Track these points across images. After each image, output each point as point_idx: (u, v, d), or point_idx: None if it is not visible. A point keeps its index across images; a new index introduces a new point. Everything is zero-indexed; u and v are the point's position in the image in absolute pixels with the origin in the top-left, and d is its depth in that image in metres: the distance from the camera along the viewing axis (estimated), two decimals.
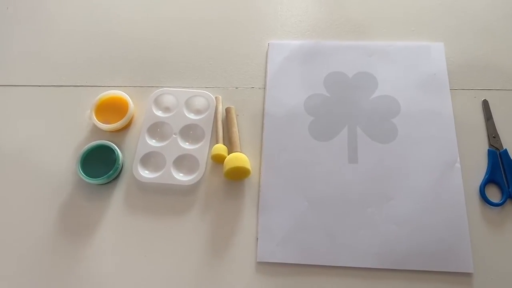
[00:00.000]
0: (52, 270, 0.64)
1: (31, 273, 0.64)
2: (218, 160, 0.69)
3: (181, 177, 0.68)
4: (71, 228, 0.66)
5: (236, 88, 0.77)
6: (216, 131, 0.72)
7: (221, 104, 0.75)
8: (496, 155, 0.68)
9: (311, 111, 0.73)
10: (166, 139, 0.72)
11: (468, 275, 0.60)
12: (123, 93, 0.75)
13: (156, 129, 0.73)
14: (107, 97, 0.75)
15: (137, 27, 0.85)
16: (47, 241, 0.65)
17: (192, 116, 0.74)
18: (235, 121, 0.72)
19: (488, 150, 0.68)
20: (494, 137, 0.69)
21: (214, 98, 0.75)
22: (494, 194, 0.66)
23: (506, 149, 0.68)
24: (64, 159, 0.72)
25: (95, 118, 0.72)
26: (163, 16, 0.86)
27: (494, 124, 0.70)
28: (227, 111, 0.73)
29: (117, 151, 0.69)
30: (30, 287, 0.63)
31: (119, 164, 0.68)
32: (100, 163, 0.69)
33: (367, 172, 0.67)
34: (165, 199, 0.68)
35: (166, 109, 0.75)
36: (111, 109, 0.74)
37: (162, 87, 0.77)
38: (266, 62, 0.79)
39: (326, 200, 0.66)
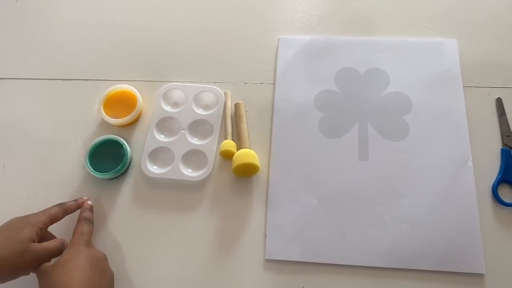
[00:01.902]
0: None
1: None
2: (226, 156, 0.68)
3: (190, 173, 0.68)
4: None
5: (246, 83, 0.76)
6: (225, 127, 0.71)
7: (230, 99, 0.74)
8: (509, 154, 0.66)
9: (321, 108, 0.72)
10: (174, 135, 0.71)
11: (479, 276, 0.60)
12: (131, 87, 0.74)
13: (165, 124, 0.73)
14: (115, 91, 0.74)
15: (147, 22, 0.84)
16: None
17: (201, 111, 0.73)
18: (244, 117, 0.72)
19: (502, 149, 0.67)
20: (507, 136, 0.68)
21: (223, 94, 0.74)
22: (507, 194, 0.65)
23: None
24: (72, 153, 0.72)
25: (103, 112, 0.72)
26: (173, 11, 0.85)
27: (508, 123, 0.69)
28: (236, 106, 0.73)
29: (125, 145, 0.69)
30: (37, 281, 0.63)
31: (127, 159, 0.68)
32: (108, 157, 0.68)
33: (378, 170, 0.67)
34: (173, 194, 0.67)
35: (175, 104, 0.75)
36: (120, 103, 0.73)
37: (171, 81, 0.76)
38: (276, 57, 0.78)
39: (335, 198, 0.65)
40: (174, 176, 0.68)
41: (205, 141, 0.71)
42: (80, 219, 0.61)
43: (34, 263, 0.54)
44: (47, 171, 0.71)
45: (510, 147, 0.67)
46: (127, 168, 0.70)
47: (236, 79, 0.77)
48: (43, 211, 0.60)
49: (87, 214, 0.62)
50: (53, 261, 0.56)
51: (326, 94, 0.73)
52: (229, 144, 0.68)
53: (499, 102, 0.71)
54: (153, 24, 0.84)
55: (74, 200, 0.64)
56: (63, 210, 0.61)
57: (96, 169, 0.67)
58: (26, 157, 0.72)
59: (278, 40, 0.80)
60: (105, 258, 0.57)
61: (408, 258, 0.61)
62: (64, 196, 0.68)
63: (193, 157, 0.69)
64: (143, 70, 0.79)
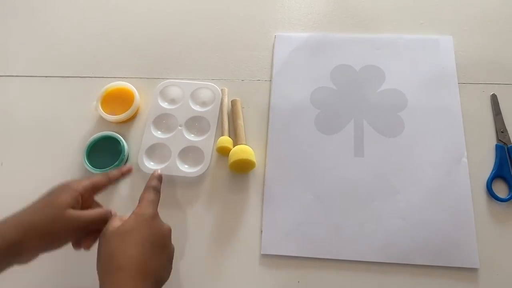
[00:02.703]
0: (56, 261, 0.63)
1: (35, 263, 0.64)
2: (223, 152, 0.69)
3: (186, 169, 0.68)
4: None
5: (242, 80, 0.77)
6: (222, 124, 0.72)
7: (227, 96, 0.74)
8: (504, 150, 0.67)
9: (318, 104, 0.73)
10: (171, 131, 0.72)
11: (473, 270, 0.60)
12: (129, 84, 0.75)
13: (162, 121, 0.73)
14: (113, 88, 0.75)
15: (144, 19, 0.85)
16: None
17: (197, 108, 0.74)
18: (240, 113, 0.72)
19: (496, 145, 0.68)
20: (502, 132, 0.68)
21: (220, 90, 0.75)
22: (501, 189, 0.65)
23: None
24: (70, 149, 0.72)
25: (101, 109, 0.72)
26: (170, 8, 0.86)
27: (503, 119, 0.69)
28: (233, 103, 0.73)
29: (122, 142, 0.69)
30: (33, 276, 0.63)
31: (124, 155, 0.68)
32: (106, 154, 0.69)
33: (373, 165, 0.67)
34: (170, 190, 0.68)
35: (172, 101, 0.75)
36: (117, 100, 0.74)
37: (168, 78, 0.77)
38: (273, 55, 0.78)
39: (331, 194, 0.66)
40: (171, 172, 0.68)
41: (201, 138, 0.71)
42: (147, 187, 0.57)
43: (70, 230, 0.50)
44: (45, 168, 0.71)
45: (504, 143, 0.67)
46: (125, 164, 0.70)
47: (233, 76, 0.77)
48: (86, 177, 0.56)
49: (155, 182, 0.57)
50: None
51: (322, 91, 0.74)
52: (225, 140, 0.69)
53: (494, 98, 0.71)
54: (151, 22, 0.84)
55: (118, 169, 0.62)
56: (107, 178, 0.58)
57: (93, 165, 0.68)
58: (24, 154, 0.73)
59: (275, 38, 0.80)
60: (169, 232, 0.54)
61: (402, 253, 0.61)
62: None
63: (190, 153, 0.70)
64: (141, 67, 0.79)
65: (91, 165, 0.68)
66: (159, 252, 0.51)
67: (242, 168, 0.68)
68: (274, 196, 0.66)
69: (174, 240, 0.64)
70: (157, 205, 0.55)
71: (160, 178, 0.59)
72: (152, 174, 0.59)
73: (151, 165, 0.69)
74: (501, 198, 0.64)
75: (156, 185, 0.57)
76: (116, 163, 0.67)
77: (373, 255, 0.61)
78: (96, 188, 0.56)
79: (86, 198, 0.54)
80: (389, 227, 0.63)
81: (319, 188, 0.66)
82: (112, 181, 0.59)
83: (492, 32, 0.78)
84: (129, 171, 0.63)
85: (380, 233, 0.63)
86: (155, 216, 0.53)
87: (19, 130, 0.75)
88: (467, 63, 0.75)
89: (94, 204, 0.57)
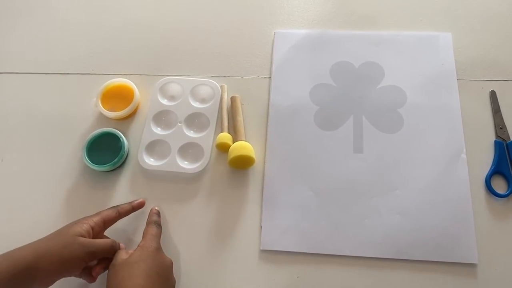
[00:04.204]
0: None
1: None
2: (222, 148, 0.69)
3: (186, 165, 0.69)
4: (77, 215, 0.66)
5: (242, 77, 0.77)
6: (221, 120, 0.72)
7: (226, 93, 0.75)
8: (503, 146, 0.67)
9: (317, 101, 0.73)
10: (171, 128, 0.72)
11: (472, 265, 0.60)
12: (129, 81, 0.75)
13: (162, 117, 0.73)
14: (113, 85, 0.75)
15: (144, 16, 0.85)
16: (52, 228, 0.65)
17: (197, 104, 0.74)
18: (240, 110, 0.72)
19: (495, 141, 0.68)
20: (501, 128, 0.69)
21: (219, 87, 0.75)
22: (500, 185, 0.65)
23: None
24: (70, 146, 0.72)
25: (101, 106, 0.73)
26: (169, 5, 0.86)
27: (502, 115, 0.70)
28: (232, 100, 0.73)
29: (122, 138, 0.69)
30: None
31: (124, 152, 0.69)
32: (105, 150, 0.69)
33: (372, 162, 0.67)
34: (169, 187, 0.68)
35: (172, 98, 0.75)
36: (117, 97, 0.74)
37: (167, 75, 0.77)
38: (272, 51, 0.79)
39: (330, 190, 0.66)
40: (171, 169, 0.68)
41: (201, 134, 0.71)
42: (149, 222, 0.61)
43: (81, 255, 0.54)
44: (45, 164, 0.71)
45: (503, 139, 0.68)
46: (124, 161, 0.70)
47: (233, 73, 0.77)
48: (97, 213, 0.60)
49: (155, 218, 0.62)
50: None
51: (322, 87, 0.74)
52: (225, 136, 0.69)
53: (493, 95, 0.71)
54: (150, 18, 0.84)
55: (129, 203, 0.64)
56: (117, 212, 0.61)
57: (93, 161, 0.68)
58: (24, 151, 0.73)
59: (274, 34, 0.80)
60: (171, 265, 0.58)
61: (401, 248, 0.61)
62: (62, 188, 0.69)
63: (189, 149, 0.70)
64: (140, 64, 0.79)
65: (91, 161, 0.68)
66: (163, 282, 0.55)
67: (242, 164, 0.68)
68: (273, 192, 0.66)
69: (174, 236, 0.65)
70: (160, 238, 0.60)
71: (158, 213, 0.64)
72: (151, 211, 0.64)
73: (151, 162, 0.69)
74: (499, 194, 0.64)
75: (157, 220, 0.62)
76: (116, 159, 0.67)
77: (372, 250, 0.62)
78: (107, 223, 0.60)
79: (97, 232, 0.58)
80: (388, 223, 0.63)
81: (318, 184, 0.66)
82: (122, 216, 0.62)
83: (491, 28, 0.78)
84: (140, 206, 0.65)
85: (379, 229, 0.63)
86: (158, 249, 0.57)
87: (19, 127, 0.75)
88: (466, 59, 0.75)
89: (103, 238, 0.61)
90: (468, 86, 0.73)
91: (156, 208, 0.65)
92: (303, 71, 0.76)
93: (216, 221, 0.65)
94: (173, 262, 0.58)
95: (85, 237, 0.55)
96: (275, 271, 0.62)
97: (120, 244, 0.60)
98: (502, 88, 0.72)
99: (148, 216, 0.63)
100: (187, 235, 0.65)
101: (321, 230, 0.63)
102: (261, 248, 0.63)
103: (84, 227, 0.56)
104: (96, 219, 0.58)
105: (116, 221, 0.61)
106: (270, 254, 0.63)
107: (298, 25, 0.81)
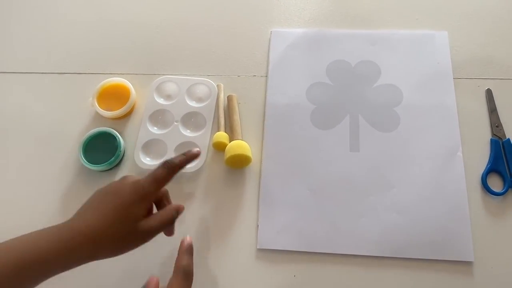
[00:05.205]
0: None
1: None
2: (219, 147, 0.69)
3: None
4: (73, 214, 0.67)
5: (238, 76, 0.77)
6: (218, 119, 0.72)
7: (222, 92, 0.75)
8: (498, 145, 0.67)
9: (313, 100, 0.73)
10: (167, 127, 0.72)
11: (468, 263, 0.60)
12: (125, 80, 0.75)
13: (158, 117, 0.73)
14: (109, 84, 0.75)
15: (140, 15, 0.85)
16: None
17: (193, 104, 0.74)
18: (236, 109, 0.72)
19: (491, 139, 0.68)
20: (497, 127, 0.69)
21: (216, 86, 0.75)
22: (496, 183, 0.66)
23: (509, 139, 0.67)
24: (66, 145, 0.72)
25: (97, 105, 0.72)
26: (165, 4, 0.85)
27: (498, 114, 0.70)
28: (229, 99, 0.73)
29: (118, 138, 0.69)
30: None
31: (120, 151, 0.69)
32: (102, 150, 0.69)
33: (368, 160, 0.67)
34: (166, 186, 0.68)
35: (168, 97, 0.75)
36: (113, 96, 0.74)
37: (164, 74, 0.77)
38: (269, 50, 0.78)
39: (327, 188, 0.66)
40: None
41: (197, 133, 0.71)
42: (177, 269, 0.52)
43: (142, 241, 0.50)
44: (41, 164, 0.71)
45: (499, 138, 0.68)
46: (121, 160, 0.70)
47: (229, 72, 0.77)
48: (151, 179, 0.51)
49: (185, 262, 0.52)
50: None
51: (318, 86, 0.74)
52: (221, 135, 0.69)
53: (489, 93, 0.72)
54: (146, 18, 0.84)
55: (182, 154, 0.56)
56: (172, 171, 0.53)
57: (90, 161, 0.68)
58: (20, 150, 0.73)
59: (271, 33, 0.80)
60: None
61: (398, 246, 0.62)
62: (58, 187, 0.69)
63: (186, 149, 0.68)
64: (137, 64, 0.79)
65: (87, 161, 0.68)
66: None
67: (238, 163, 0.68)
68: (270, 191, 0.66)
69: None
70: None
71: (191, 249, 0.54)
72: (181, 245, 0.54)
73: (147, 161, 0.69)
74: (495, 192, 0.64)
75: (187, 266, 0.52)
76: (112, 158, 0.67)
77: (369, 249, 0.62)
78: (160, 184, 0.53)
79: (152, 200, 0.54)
80: (385, 221, 0.63)
81: (315, 183, 0.66)
82: (176, 172, 0.54)
83: (487, 27, 0.78)
84: (194, 157, 0.56)
85: (376, 227, 0.63)
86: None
87: (15, 126, 0.75)
88: (462, 58, 0.75)
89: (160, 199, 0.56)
90: (464, 84, 0.73)
91: (189, 239, 0.54)
92: (300, 70, 0.76)
93: (212, 220, 0.65)
94: (168, 261, 0.57)
95: (145, 216, 0.50)
96: (272, 270, 0.62)
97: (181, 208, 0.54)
98: (498, 87, 0.72)
99: (178, 255, 0.53)
100: (182, 234, 0.64)
101: (317, 229, 0.63)
102: (257, 247, 0.63)
103: (146, 206, 0.50)
104: (153, 189, 0.51)
105: (170, 180, 0.53)
106: (267, 253, 0.63)
107: (294, 24, 0.81)
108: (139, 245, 0.50)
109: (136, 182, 0.51)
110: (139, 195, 0.50)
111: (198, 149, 0.57)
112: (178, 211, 0.54)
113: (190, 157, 0.56)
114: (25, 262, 0.44)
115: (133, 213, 0.49)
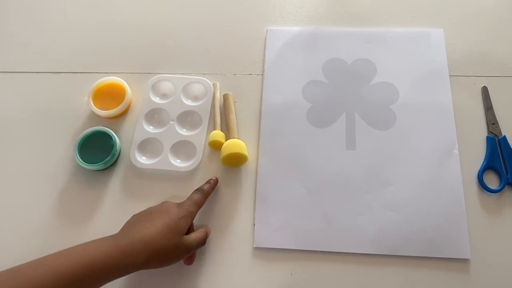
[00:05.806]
0: None
1: (28, 259, 0.64)
2: (215, 146, 0.69)
3: (179, 163, 0.68)
4: (69, 214, 0.67)
5: (234, 74, 0.77)
6: (214, 118, 0.72)
7: (218, 90, 0.74)
8: (494, 142, 0.67)
9: (309, 98, 0.73)
10: (163, 126, 0.72)
11: (465, 261, 0.60)
12: (120, 79, 0.74)
13: (154, 116, 0.73)
14: (104, 83, 0.74)
15: (135, 14, 0.84)
16: (44, 227, 0.66)
17: (189, 102, 0.74)
18: (232, 107, 0.72)
19: (487, 136, 0.68)
20: (493, 124, 0.69)
21: (212, 85, 0.74)
22: (492, 180, 0.66)
23: (505, 136, 0.67)
24: (62, 145, 0.72)
25: (92, 104, 0.72)
26: (161, 3, 0.85)
27: (493, 111, 0.70)
28: (225, 97, 0.73)
29: (114, 137, 0.69)
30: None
31: (116, 150, 0.68)
32: (97, 149, 0.69)
33: (365, 158, 0.67)
34: (162, 185, 0.68)
35: (164, 96, 0.75)
36: (109, 95, 0.73)
37: (159, 73, 0.77)
38: (265, 49, 0.78)
39: (323, 187, 0.66)
40: (163, 167, 0.68)
41: (194, 132, 0.71)
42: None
43: (183, 256, 0.57)
44: (37, 163, 0.71)
45: (495, 135, 0.68)
46: (116, 159, 0.70)
47: (225, 71, 0.77)
48: (191, 201, 0.60)
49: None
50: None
51: (314, 84, 0.74)
52: (217, 134, 0.69)
53: (485, 90, 0.72)
54: (142, 17, 0.84)
55: (207, 183, 0.65)
56: (204, 194, 0.63)
57: (85, 160, 0.68)
58: (16, 149, 0.72)
59: (267, 32, 0.80)
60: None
61: (394, 244, 0.62)
62: (53, 187, 0.68)
63: (182, 148, 0.70)
64: (132, 62, 0.79)
65: (83, 160, 0.67)
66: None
67: (235, 162, 0.68)
68: (266, 190, 0.66)
69: None
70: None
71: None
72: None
73: (143, 160, 0.69)
74: (492, 189, 0.64)
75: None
76: (108, 158, 0.67)
77: (365, 247, 0.62)
78: (199, 206, 0.61)
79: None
80: (381, 219, 0.63)
81: (311, 181, 0.66)
82: (207, 196, 0.64)
83: (483, 24, 0.78)
84: (216, 182, 0.66)
85: (372, 225, 0.63)
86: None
87: (10, 125, 0.74)
88: (458, 56, 0.75)
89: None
90: (460, 82, 0.73)
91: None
92: (296, 69, 0.76)
93: (209, 219, 0.65)
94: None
95: (186, 233, 0.57)
96: (269, 269, 0.62)
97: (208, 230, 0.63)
98: (494, 84, 0.72)
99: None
100: None
101: (314, 227, 0.63)
102: (254, 246, 0.63)
103: (189, 222, 0.58)
104: (194, 209, 0.59)
105: (204, 203, 0.62)
106: (264, 252, 0.63)
107: (290, 22, 0.81)
108: (180, 259, 0.57)
109: (180, 203, 0.60)
110: (185, 212, 0.57)
111: (215, 177, 0.67)
112: (207, 233, 0.62)
113: (214, 183, 0.66)
114: (94, 264, 0.49)
115: (181, 227, 0.56)
